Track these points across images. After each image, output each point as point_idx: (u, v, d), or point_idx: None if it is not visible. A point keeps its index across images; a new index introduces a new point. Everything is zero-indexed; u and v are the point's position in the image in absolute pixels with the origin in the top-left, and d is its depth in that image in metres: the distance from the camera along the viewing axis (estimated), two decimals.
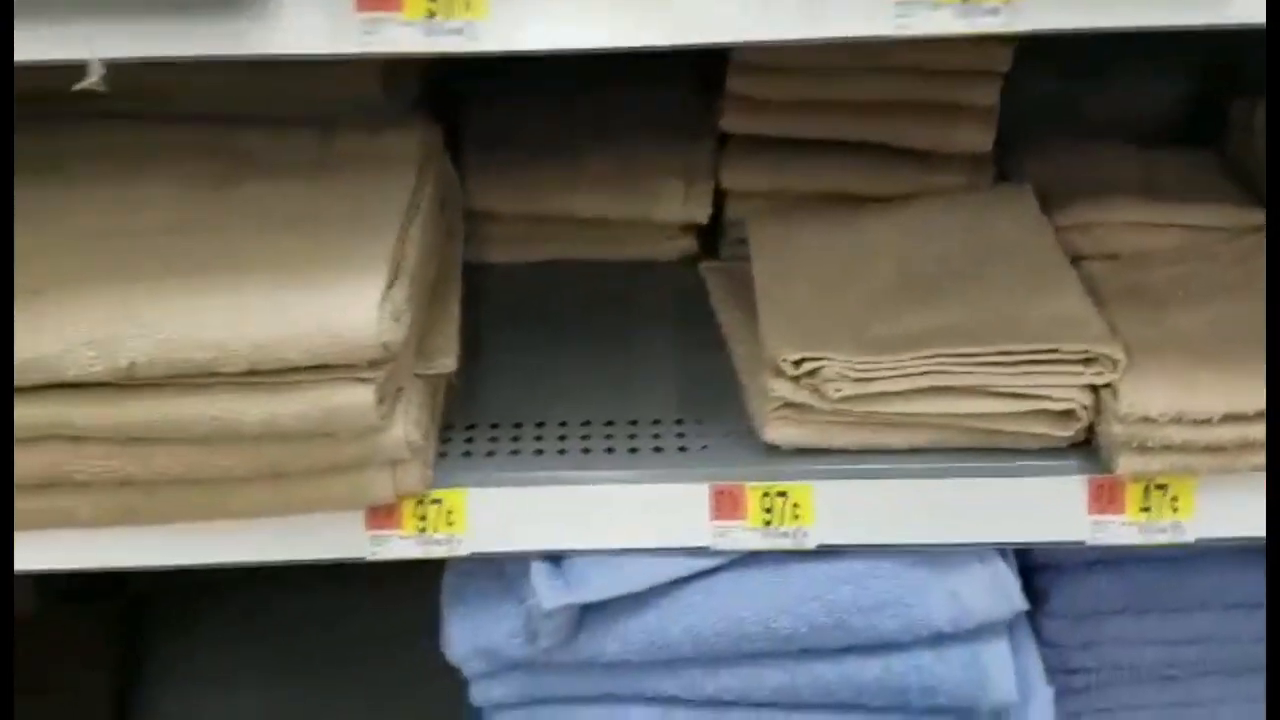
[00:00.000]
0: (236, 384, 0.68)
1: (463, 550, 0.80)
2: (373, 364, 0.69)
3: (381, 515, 0.79)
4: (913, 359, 0.77)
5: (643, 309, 1.01)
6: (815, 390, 0.78)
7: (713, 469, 0.80)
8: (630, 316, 0.99)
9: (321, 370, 0.68)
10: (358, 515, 0.79)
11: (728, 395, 0.87)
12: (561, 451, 0.83)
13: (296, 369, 0.68)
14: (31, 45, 0.61)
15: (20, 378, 0.66)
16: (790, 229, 0.97)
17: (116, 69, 0.95)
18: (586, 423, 0.86)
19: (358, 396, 0.69)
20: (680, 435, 0.84)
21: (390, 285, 0.71)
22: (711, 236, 1.08)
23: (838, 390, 0.77)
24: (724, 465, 0.80)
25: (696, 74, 1.17)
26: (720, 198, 1.05)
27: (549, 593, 0.77)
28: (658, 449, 0.83)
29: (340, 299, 0.68)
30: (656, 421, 0.86)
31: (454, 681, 0.86)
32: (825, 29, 0.60)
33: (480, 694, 0.85)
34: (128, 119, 0.89)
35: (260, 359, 0.67)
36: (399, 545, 0.80)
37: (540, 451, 0.83)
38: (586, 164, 1.07)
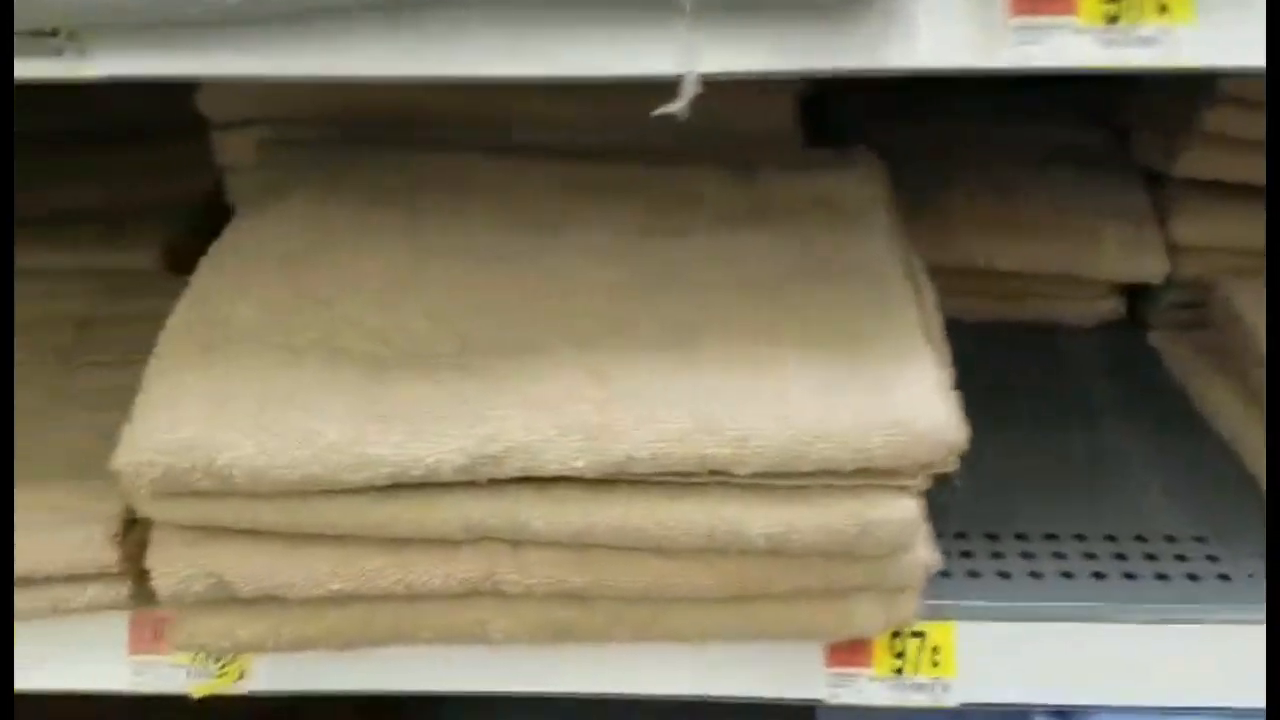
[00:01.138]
0: (743, 485, 0.52)
1: (950, 699, 0.62)
2: (923, 469, 0.52)
3: (844, 650, 0.62)
4: None
5: (1093, 386, 0.82)
6: None
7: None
8: (1082, 395, 0.80)
9: (858, 475, 0.52)
10: (814, 647, 0.62)
11: (1246, 504, 0.69)
12: (1066, 574, 0.65)
13: (828, 472, 0.51)
14: (619, 58, 0.47)
15: (491, 469, 0.51)
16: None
17: (467, 92, 0.81)
18: (1080, 536, 0.68)
19: (901, 510, 0.52)
20: (1212, 559, 0.66)
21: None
22: (1134, 298, 0.90)
23: None
24: None
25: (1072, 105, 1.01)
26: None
27: None
28: (1192, 576, 0.64)
29: (898, 386, 0.52)
30: (1170, 538, 0.67)
31: None
32: None
33: None
34: (489, 152, 0.74)
35: (790, 459, 0.50)
36: (868, 689, 0.62)
37: (1037, 574, 0.65)
38: (993, 207, 0.89)
